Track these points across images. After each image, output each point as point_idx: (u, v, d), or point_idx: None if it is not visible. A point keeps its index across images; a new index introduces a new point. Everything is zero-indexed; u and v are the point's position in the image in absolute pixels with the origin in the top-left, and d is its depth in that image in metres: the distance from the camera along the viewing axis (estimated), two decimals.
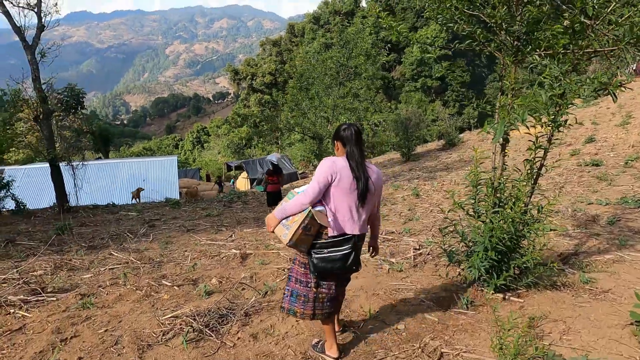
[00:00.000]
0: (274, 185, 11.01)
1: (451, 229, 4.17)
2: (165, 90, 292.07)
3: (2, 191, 13.88)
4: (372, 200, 2.86)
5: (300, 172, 29.77)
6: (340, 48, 12.09)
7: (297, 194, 2.82)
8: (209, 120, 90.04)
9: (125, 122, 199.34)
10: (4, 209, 13.96)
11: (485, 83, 54.95)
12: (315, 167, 28.88)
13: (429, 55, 43.80)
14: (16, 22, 10.71)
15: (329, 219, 2.73)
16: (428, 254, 5.38)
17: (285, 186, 20.94)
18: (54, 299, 4.00)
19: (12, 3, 10.80)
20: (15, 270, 4.85)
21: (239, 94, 73.98)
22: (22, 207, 13.83)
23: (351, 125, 2.87)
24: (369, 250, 3.32)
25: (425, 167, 18.45)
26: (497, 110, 3.88)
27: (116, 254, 6.27)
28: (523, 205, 3.66)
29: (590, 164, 12.17)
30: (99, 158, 30.99)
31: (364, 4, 57.78)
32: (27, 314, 3.73)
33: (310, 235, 2.75)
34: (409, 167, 19.87)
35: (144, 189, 16.85)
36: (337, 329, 3.25)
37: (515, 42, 3.69)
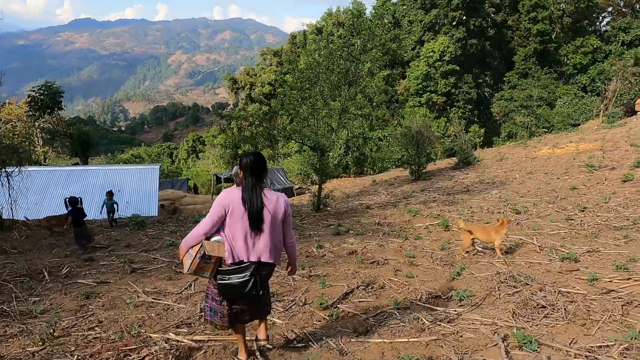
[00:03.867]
0: None
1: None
2: (164, 99, 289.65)
3: None
4: (271, 228, 2.92)
5: (296, 187, 27.18)
6: (352, 38, 9.75)
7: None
8: (206, 130, 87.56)
9: (123, 128, 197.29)
10: None
11: (491, 102, 52.95)
12: (313, 182, 26.19)
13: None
14: None
15: (226, 247, 2.85)
16: None
17: None
18: None
19: None
20: None
21: (237, 104, 71.77)
22: None
23: (249, 155, 2.95)
24: (287, 268, 3.35)
25: (441, 188, 15.97)
26: None
27: None
28: None
29: None
30: (76, 164, 28.42)
31: (368, 14, 55.96)
32: None
33: (211, 263, 2.89)
34: (420, 186, 17.39)
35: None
36: (263, 336, 3.23)
37: None
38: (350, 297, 4.61)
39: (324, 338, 3.51)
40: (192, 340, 3.40)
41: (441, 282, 5.05)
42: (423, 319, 3.81)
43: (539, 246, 6.60)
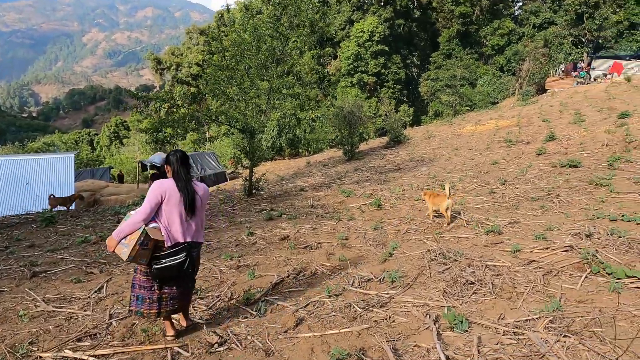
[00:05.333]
0: None
1: None
2: (81, 82, 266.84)
3: None
4: (200, 212, 3.35)
5: (229, 171, 26.31)
6: (280, 15, 9.23)
7: (132, 214, 3.09)
8: (130, 114, 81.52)
9: (34, 114, 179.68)
10: None
11: (419, 82, 54.79)
12: (244, 167, 25.50)
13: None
14: None
15: (163, 232, 3.11)
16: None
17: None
18: None
19: None
20: None
21: (164, 87, 67.75)
22: None
23: (177, 152, 3.31)
24: None
25: (373, 167, 16.18)
26: None
27: None
28: None
29: (567, 165, 10.49)
30: None
31: None
32: None
33: (148, 249, 3.08)
34: (353, 166, 17.52)
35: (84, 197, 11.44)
36: (185, 324, 3.47)
37: None
38: (280, 288, 4.34)
39: (249, 337, 3.22)
40: (93, 355, 2.94)
41: (374, 263, 4.95)
42: (355, 305, 3.64)
43: (465, 220, 6.77)
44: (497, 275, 4.17)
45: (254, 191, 11.71)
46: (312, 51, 9.19)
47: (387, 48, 47.35)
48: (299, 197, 11.52)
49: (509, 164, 12.42)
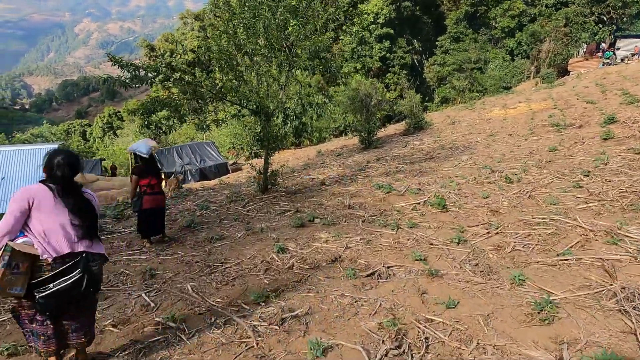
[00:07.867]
0: (154, 197, 5.74)
1: None
2: (74, 72, 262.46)
3: None
4: (92, 222, 2.59)
5: (231, 162, 24.12)
6: None
7: None
8: (124, 104, 78.57)
9: (26, 106, 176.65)
10: None
11: (424, 67, 52.50)
12: (256, 155, 23.40)
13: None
14: None
15: (37, 247, 2.36)
16: None
17: (195, 185, 15.14)
18: None
19: None
20: None
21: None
22: None
23: (60, 153, 2.55)
24: None
25: (399, 157, 14.10)
26: None
27: None
28: None
29: None
30: None
31: None
32: None
33: (21, 273, 2.30)
34: (374, 155, 15.41)
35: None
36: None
37: None
38: None
39: None
40: None
41: (518, 316, 2.90)
42: None
43: (591, 231, 4.73)
44: None
45: (269, 186, 9.66)
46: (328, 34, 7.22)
47: (392, 31, 44.94)
48: (325, 193, 9.45)
49: (571, 151, 10.38)
